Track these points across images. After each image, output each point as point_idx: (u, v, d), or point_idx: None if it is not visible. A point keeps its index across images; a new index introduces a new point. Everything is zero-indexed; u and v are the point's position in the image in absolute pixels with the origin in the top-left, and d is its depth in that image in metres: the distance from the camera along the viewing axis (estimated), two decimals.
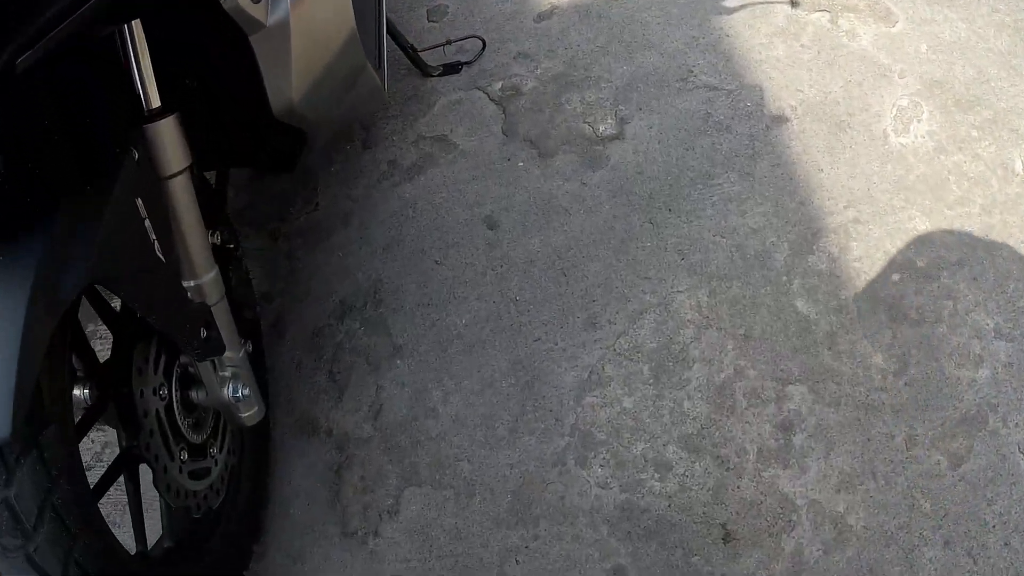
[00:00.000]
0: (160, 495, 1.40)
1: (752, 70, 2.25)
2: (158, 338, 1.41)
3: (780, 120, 2.14)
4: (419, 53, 2.37)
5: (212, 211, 1.59)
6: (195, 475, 1.52)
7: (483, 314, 1.95)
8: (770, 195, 2.00)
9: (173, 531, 1.51)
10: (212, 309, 1.41)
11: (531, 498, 1.74)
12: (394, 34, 2.31)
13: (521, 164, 2.14)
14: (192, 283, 1.37)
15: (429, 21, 2.58)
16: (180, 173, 1.28)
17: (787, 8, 2.38)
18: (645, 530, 1.65)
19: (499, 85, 2.31)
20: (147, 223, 1.18)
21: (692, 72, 2.27)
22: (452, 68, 2.38)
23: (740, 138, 2.10)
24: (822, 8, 2.38)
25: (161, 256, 1.22)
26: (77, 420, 1.24)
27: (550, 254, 1.98)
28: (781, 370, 1.78)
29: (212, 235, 1.53)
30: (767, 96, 2.19)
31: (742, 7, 2.40)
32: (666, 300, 1.88)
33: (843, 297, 1.83)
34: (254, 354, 1.86)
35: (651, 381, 1.80)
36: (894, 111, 2.12)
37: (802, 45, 2.30)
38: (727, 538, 1.60)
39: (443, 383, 1.90)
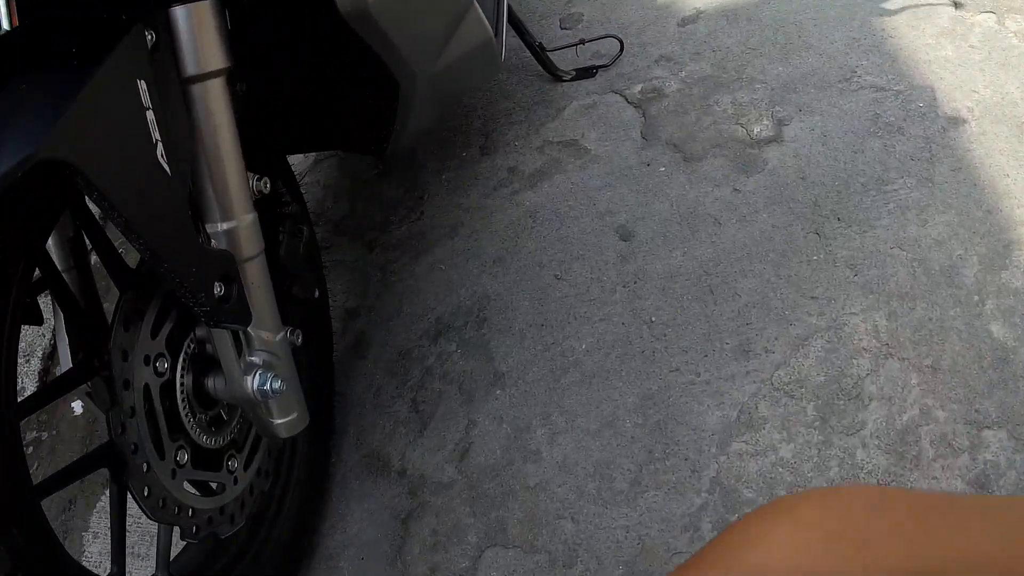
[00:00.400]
0: (133, 498, 1.04)
1: (920, 71, 1.87)
2: (167, 294, 1.07)
3: (957, 122, 1.74)
4: (548, 53, 2.06)
5: (263, 152, 1.28)
6: (198, 488, 1.16)
7: (608, 338, 1.54)
8: (953, 203, 1.57)
9: (167, 561, 1.14)
10: (241, 265, 1.06)
11: (650, 573, 1.30)
12: (519, 29, 2.00)
13: (663, 169, 1.76)
14: (217, 225, 1.04)
15: (562, 28, 2.28)
16: (210, 76, 0.97)
17: (951, 10, 2.05)
18: None
19: (638, 88, 1.96)
20: (150, 116, 0.86)
21: (855, 73, 1.90)
22: (586, 72, 2.05)
23: (914, 140, 1.69)
24: (987, 10, 2.02)
25: (165, 165, 0.89)
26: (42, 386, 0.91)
27: (695, 269, 1.57)
28: (976, 411, 1.31)
29: (258, 180, 1.17)
30: (940, 97, 1.81)
31: (903, 9, 2.07)
32: (836, 324, 1.44)
33: None
34: (309, 352, 1.51)
35: (816, 424, 1.35)
36: None
37: (971, 46, 1.92)
38: None
39: (551, 420, 1.50)
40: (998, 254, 1.49)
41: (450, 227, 1.88)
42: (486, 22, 1.47)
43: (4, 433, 0.85)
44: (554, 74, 2.06)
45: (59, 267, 1.08)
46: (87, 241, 1.11)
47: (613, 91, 1.99)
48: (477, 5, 1.43)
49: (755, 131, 1.77)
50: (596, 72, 2.04)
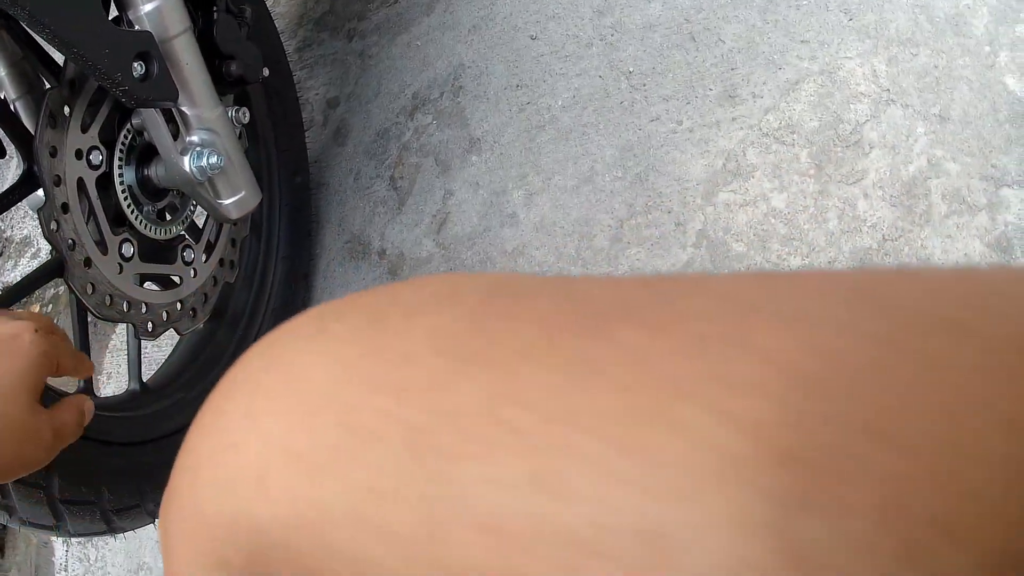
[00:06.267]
0: (76, 297, 1.02)
1: None
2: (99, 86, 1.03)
3: None
4: None
5: None
6: (158, 283, 1.14)
7: (585, 92, 1.45)
8: None
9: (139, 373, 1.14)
10: (166, 44, 1.03)
11: None
12: None
13: None
14: (138, 9, 1.00)
15: None
16: None
17: None
18: None
19: None
20: None
21: None
22: None
23: None
24: None
25: None
26: None
27: (675, 17, 1.46)
28: (992, 166, 1.19)
29: None
30: None
31: None
32: (830, 67, 1.32)
33: None
34: (277, 135, 1.47)
35: (811, 172, 1.26)
36: None
37: None
38: None
39: (527, 180, 1.43)
40: (1011, 7, 1.33)
41: (427, 4, 1.76)
42: None
43: None
44: None
45: None
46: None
47: None
48: None
49: None
50: None
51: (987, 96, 1.25)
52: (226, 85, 1.20)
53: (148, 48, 1.00)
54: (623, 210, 1.33)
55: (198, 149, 1.11)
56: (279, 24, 2.06)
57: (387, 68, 1.74)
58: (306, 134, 1.77)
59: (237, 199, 1.19)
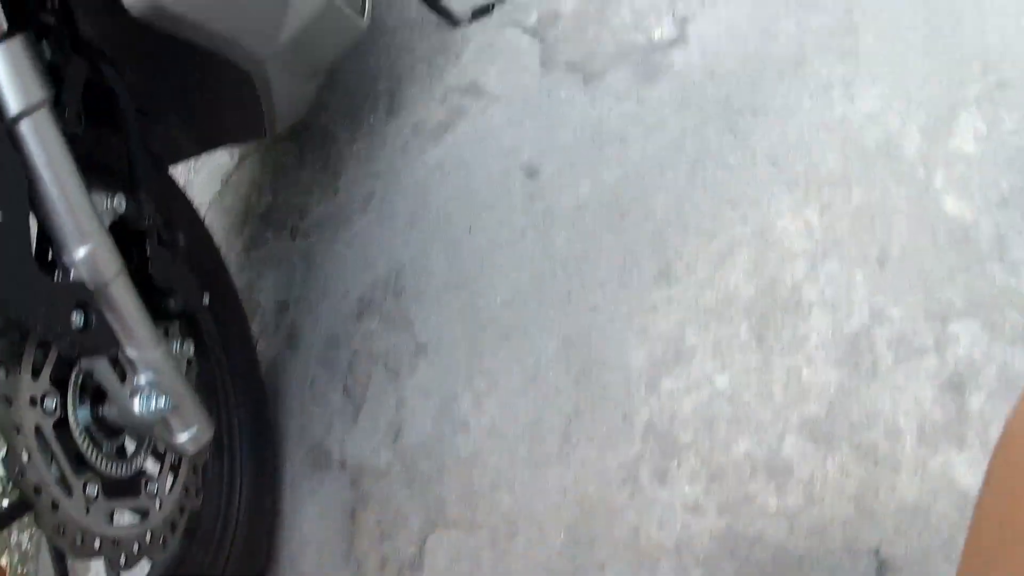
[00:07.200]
0: (48, 541, 1.04)
1: None
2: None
3: None
4: (442, 1, 1.93)
5: (114, 170, 1.22)
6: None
7: (523, 286, 1.44)
8: (883, 73, 1.37)
9: None
10: (101, 290, 1.05)
11: (593, 535, 1.21)
12: None
13: (563, 94, 1.63)
14: (70, 254, 1.03)
15: None
16: (33, 110, 0.97)
17: None
18: (759, 570, 1.07)
19: (534, 16, 1.81)
20: None
21: None
22: (482, 11, 1.92)
23: (833, 13, 1.47)
24: None
25: None
26: None
27: (604, 195, 1.45)
28: (937, 301, 1.15)
29: (111, 199, 1.14)
30: None
31: None
32: (763, 228, 1.31)
33: (1006, 187, 1.19)
34: (231, 359, 1.47)
35: (753, 345, 1.23)
36: None
37: None
38: (883, 570, 1.00)
39: (474, 385, 1.40)
40: (942, 120, 1.31)
41: (363, 199, 1.78)
42: None
43: None
44: (450, 20, 1.93)
45: None
46: None
47: (511, 24, 1.85)
48: None
49: (656, 35, 1.61)
50: (492, 8, 1.91)
51: (925, 224, 1.22)
52: (167, 318, 1.22)
53: (85, 298, 1.02)
54: (569, 407, 1.30)
55: (145, 393, 1.12)
56: (226, 219, 2.08)
57: (331, 270, 1.74)
58: (260, 340, 1.76)
59: (191, 435, 1.20)
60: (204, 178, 2.25)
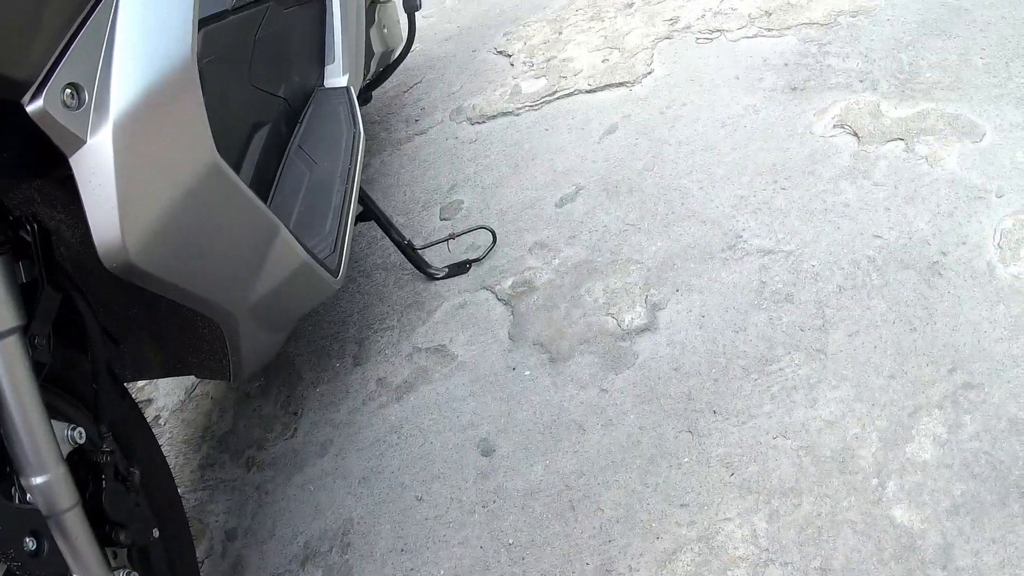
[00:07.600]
0: None
1: (815, 223, 1.74)
2: None
3: (854, 277, 1.61)
4: (420, 252, 2.03)
5: (78, 402, 1.24)
6: None
7: (467, 564, 1.44)
8: (848, 374, 1.45)
9: None
10: (55, 518, 1.07)
11: None
12: (386, 230, 1.98)
13: (528, 373, 1.69)
14: (28, 479, 1.05)
15: (442, 219, 2.26)
16: (3, 336, 1.01)
17: (853, 145, 1.90)
18: None
19: (509, 282, 1.92)
20: None
21: (741, 237, 1.79)
22: (459, 268, 2.02)
23: (805, 308, 1.58)
24: (895, 137, 1.88)
25: None
26: None
27: (556, 483, 1.48)
28: None
29: (72, 430, 1.18)
30: (836, 251, 1.67)
31: (798, 153, 1.94)
32: (709, 533, 1.34)
33: (958, 493, 1.24)
34: None
35: None
36: (997, 237, 1.58)
37: (875, 183, 1.78)
38: None
39: None
40: (902, 425, 1.37)
41: (321, 445, 1.79)
42: (297, 247, 1.44)
43: None
44: (426, 273, 2.03)
45: None
46: None
47: (484, 287, 1.95)
48: (286, 230, 1.40)
49: (626, 320, 1.71)
50: (469, 267, 2.01)
51: (872, 536, 1.25)
52: (116, 546, 1.23)
53: (38, 526, 1.04)
54: None
55: None
56: (185, 432, 2.08)
57: (282, 509, 1.73)
58: (206, 563, 1.73)
59: None
60: (170, 383, 2.26)
